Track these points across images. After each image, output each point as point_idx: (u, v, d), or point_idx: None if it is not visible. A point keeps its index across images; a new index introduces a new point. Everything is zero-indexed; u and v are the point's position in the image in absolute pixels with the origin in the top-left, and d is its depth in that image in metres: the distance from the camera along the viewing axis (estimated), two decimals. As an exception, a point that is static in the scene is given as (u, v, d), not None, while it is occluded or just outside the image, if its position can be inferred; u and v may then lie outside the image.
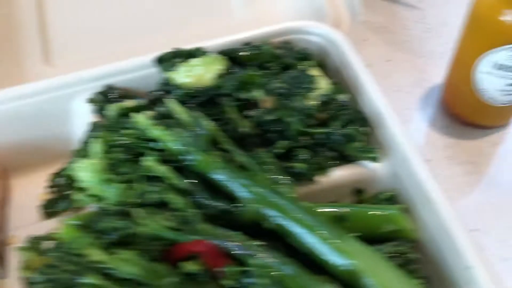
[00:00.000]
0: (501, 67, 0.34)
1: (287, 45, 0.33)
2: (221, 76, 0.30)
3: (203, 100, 0.30)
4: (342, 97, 0.31)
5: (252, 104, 0.30)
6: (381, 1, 0.34)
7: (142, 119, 0.27)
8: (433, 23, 0.33)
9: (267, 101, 0.30)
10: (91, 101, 0.31)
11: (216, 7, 0.34)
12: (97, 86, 0.32)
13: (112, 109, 0.30)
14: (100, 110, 0.31)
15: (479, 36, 0.33)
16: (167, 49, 0.31)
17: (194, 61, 0.31)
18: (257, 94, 0.30)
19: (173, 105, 0.28)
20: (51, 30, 0.34)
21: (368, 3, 0.35)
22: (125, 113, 0.29)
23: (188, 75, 0.30)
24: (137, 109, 0.29)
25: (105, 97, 0.31)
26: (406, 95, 0.38)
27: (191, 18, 0.34)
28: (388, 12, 0.34)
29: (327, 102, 0.31)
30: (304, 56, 0.33)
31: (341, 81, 0.32)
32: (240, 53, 0.32)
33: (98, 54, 0.33)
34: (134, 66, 0.32)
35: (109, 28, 0.34)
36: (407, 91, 0.38)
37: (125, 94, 0.32)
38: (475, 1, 0.32)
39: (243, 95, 0.30)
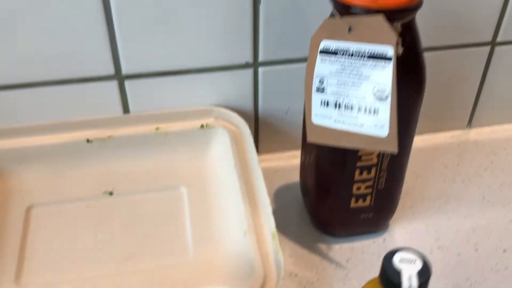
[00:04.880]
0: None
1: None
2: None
3: None
4: None
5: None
6: (312, 256, 0.37)
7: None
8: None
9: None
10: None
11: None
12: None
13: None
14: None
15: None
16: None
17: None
18: None
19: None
20: (28, 251, 0.36)
21: (299, 258, 0.37)
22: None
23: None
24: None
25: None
26: None
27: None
28: (318, 268, 0.36)
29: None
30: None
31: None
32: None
33: (67, 278, 0.34)
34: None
35: (80, 255, 0.36)
36: None
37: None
38: None
39: None
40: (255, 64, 0.42)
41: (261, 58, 0.42)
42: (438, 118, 0.50)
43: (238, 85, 0.43)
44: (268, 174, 0.46)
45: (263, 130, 0.46)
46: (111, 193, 0.40)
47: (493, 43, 0.46)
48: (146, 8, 0.37)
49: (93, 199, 0.39)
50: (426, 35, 0.44)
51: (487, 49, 0.46)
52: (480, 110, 0.50)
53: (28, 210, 0.38)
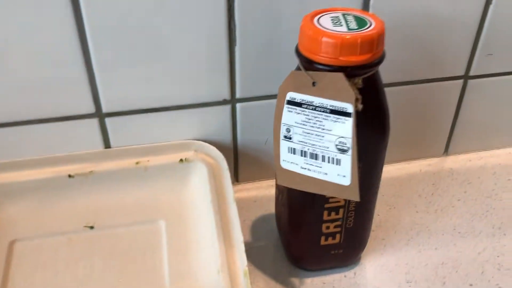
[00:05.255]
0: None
1: None
2: None
3: None
4: None
5: None
6: None
7: None
8: None
9: None
10: None
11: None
12: None
13: None
14: None
15: None
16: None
17: None
18: None
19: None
20: (11, 286, 0.37)
21: None
22: None
23: None
24: None
25: None
26: None
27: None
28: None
29: None
30: None
31: None
32: None
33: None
34: None
35: None
36: None
37: None
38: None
39: None
40: (232, 101, 0.43)
41: (238, 95, 0.43)
42: (415, 146, 0.51)
43: (217, 120, 0.44)
44: (247, 203, 0.47)
45: (242, 160, 0.48)
46: (92, 227, 0.41)
47: (466, 77, 0.47)
48: (125, 49, 0.39)
49: (74, 233, 0.41)
50: (402, 70, 0.45)
51: (460, 82, 0.47)
52: (456, 138, 0.52)
53: (11, 244, 0.40)
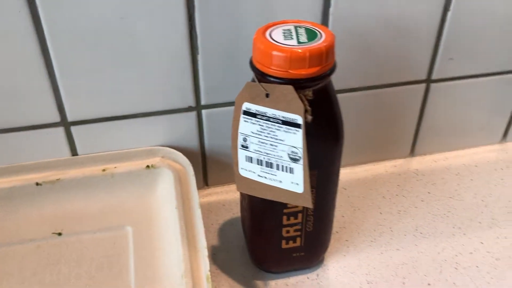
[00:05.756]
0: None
1: None
2: None
3: None
4: None
5: None
6: None
7: None
8: None
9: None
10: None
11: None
12: None
13: None
14: None
15: None
16: None
17: None
18: None
19: None
20: None
21: None
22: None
23: None
24: None
25: None
26: None
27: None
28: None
29: None
30: None
31: None
32: None
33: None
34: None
35: None
36: None
37: None
38: None
39: None
40: (198, 107, 0.44)
41: (203, 101, 0.44)
42: (382, 148, 0.52)
43: (183, 126, 0.45)
44: (216, 207, 0.48)
45: (211, 165, 0.48)
46: (60, 234, 0.42)
47: (428, 81, 0.48)
48: (87, 58, 0.39)
49: (43, 240, 0.41)
50: (367, 76, 0.46)
51: (423, 86, 0.48)
52: (421, 139, 0.53)
53: (-21, 252, 0.40)
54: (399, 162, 0.53)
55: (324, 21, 0.42)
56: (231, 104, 0.44)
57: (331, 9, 0.41)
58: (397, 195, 0.49)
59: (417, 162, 0.54)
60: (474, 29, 0.46)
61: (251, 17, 0.40)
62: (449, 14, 0.44)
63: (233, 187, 0.50)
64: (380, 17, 0.43)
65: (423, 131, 0.52)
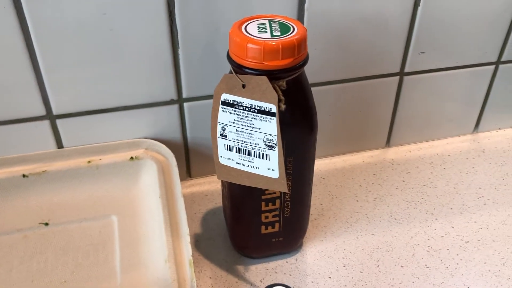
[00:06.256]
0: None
1: None
2: None
3: None
4: None
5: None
6: (229, 277, 0.41)
7: None
8: None
9: None
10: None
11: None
12: None
13: None
14: None
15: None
16: None
17: None
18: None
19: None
20: None
21: (217, 279, 0.41)
22: None
23: None
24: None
25: None
26: None
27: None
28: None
29: None
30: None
31: None
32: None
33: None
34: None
35: (16, 286, 0.39)
36: None
37: None
38: None
39: None
40: (179, 100, 0.45)
41: (185, 95, 0.45)
42: (358, 139, 0.54)
43: (166, 119, 0.46)
44: (199, 197, 0.50)
45: (194, 156, 0.50)
46: (47, 224, 0.43)
47: (401, 74, 0.50)
48: (72, 52, 0.41)
49: (30, 230, 0.43)
50: (342, 69, 0.48)
51: (396, 78, 0.51)
52: (396, 131, 0.55)
53: (-32, 243, 0.41)
54: (375, 152, 0.56)
55: (300, 17, 0.44)
56: (212, 97, 0.46)
57: (306, 5, 0.43)
58: (373, 183, 0.52)
59: (393, 153, 0.56)
60: (444, 24, 0.48)
61: (229, 13, 0.42)
62: (419, 9, 0.46)
63: (215, 178, 0.52)
64: (354, 12, 0.45)
65: (398, 123, 0.54)
